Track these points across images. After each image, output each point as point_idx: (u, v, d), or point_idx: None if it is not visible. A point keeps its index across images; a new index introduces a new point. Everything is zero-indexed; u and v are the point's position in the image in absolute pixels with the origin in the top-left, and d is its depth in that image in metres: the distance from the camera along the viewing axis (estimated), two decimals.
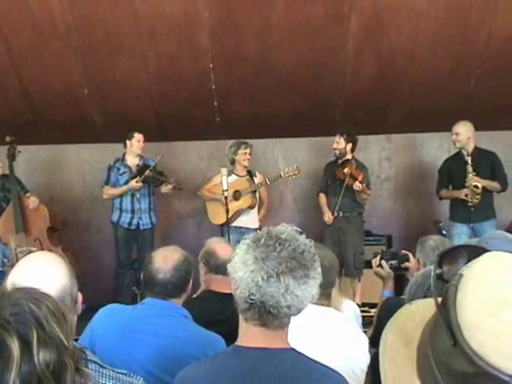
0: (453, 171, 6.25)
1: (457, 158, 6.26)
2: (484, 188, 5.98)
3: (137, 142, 6.30)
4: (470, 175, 5.95)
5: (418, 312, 1.01)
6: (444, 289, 0.87)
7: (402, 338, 0.97)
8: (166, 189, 6.41)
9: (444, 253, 1.00)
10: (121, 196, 6.37)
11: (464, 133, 6.04)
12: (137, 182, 6.20)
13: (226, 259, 2.91)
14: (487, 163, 6.12)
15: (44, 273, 1.75)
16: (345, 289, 6.21)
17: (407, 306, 1.06)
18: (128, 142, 6.34)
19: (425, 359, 0.87)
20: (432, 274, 0.93)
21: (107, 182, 6.44)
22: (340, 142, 6.28)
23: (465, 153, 6.12)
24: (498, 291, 0.79)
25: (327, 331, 2.24)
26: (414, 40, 5.77)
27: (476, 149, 6.10)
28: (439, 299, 0.88)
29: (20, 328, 1.09)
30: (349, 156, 6.31)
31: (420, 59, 5.96)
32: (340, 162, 6.33)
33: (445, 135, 7.13)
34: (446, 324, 0.82)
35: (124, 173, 6.38)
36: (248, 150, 6.42)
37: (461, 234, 6.03)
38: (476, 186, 5.93)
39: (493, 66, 5.99)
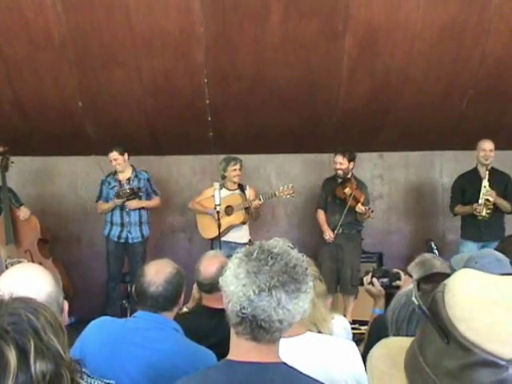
0: (465, 187, 6.29)
1: (471, 175, 6.31)
2: (496, 207, 6.03)
3: (113, 160, 6.28)
4: (486, 188, 5.99)
5: (396, 344, 1.03)
6: (429, 299, 0.89)
7: (387, 360, 0.99)
8: (134, 205, 6.41)
9: (421, 279, 1.06)
10: (112, 210, 6.39)
11: (493, 149, 6.11)
12: (116, 198, 6.25)
13: (207, 278, 2.94)
14: (502, 183, 6.19)
15: (30, 279, 1.76)
16: (337, 305, 6.21)
17: (384, 340, 1.09)
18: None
19: (416, 368, 0.89)
20: (413, 293, 0.95)
21: (99, 197, 6.50)
22: (344, 162, 6.27)
23: (480, 170, 6.17)
24: (484, 292, 0.83)
25: (314, 359, 2.20)
26: (408, 60, 5.81)
27: (492, 168, 6.16)
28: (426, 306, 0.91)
29: (18, 338, 1.09)
30: (349, 174, 6.33)
31: (414, 79, 6.01)
32: (340, 180, 6.33)
33: (437, 154, 7.20)
34: (437, 325, 0.84)
35: (114, 187, 6.39)
36: (237, 166, 6.41)
37: (470, 252, 6.03)
38: (488, 200, 5.97)
39: (485, 86, 6.05)
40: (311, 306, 2.41)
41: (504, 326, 0.79)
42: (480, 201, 6.04)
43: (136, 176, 6.45)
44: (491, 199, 5.99)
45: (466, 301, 0.82)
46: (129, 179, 6.40)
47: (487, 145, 6.16)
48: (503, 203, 6.11)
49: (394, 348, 1.01)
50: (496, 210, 6.09)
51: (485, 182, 6.05)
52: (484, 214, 6.03)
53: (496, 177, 6.16)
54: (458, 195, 6.41)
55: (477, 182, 6.18)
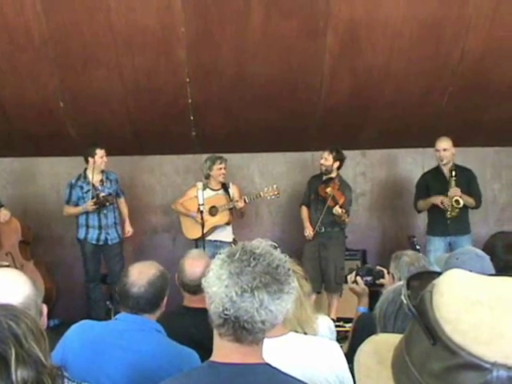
0: (430, 185, 6.31)
1: (435, 173, 6.33)
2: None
3: (100, 158, 6.19)
4: (454, 189, 6.01)
5: (385, 340, 1.03)
6: (418, 298, 0.89)
7: (374, 357, 0.98)
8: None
9: (410, 278, 1.03)
10: (86, 213, 6.32)
11: (450, 148, 6.13)
12: (93, 204, 6.16)
13: (192, 279, 2.91)
14: (465, 179, 6.21)
15: (7, 282, 1.73)
16: (321, 304, 6.22)
17: (373, 337, 1.08)
18: (91, 160, 6.21)
19: (403, 367, 0.89)
20: (403, 292, 0.94)
21: (68, 202, 6.37)
22: (328, 159, 6.28)
23: (443, 168, 6.19)
24: (471, 292, 0.83)
25: (294, 358, 2.19)
26: (388, 57, 5.83)
27: (454, 165, 6.18)
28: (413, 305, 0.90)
29: None
30: (333, 174, 6.32)
31: (394, 76, 6.03)
32: (324, 178, 6.34)
33: (419, 151, 7.24)
34: (424, 325, 0.83)
35: (88, 191, 6.27)
36: (223, 165, 6.39)
37: (437, 250, 6.06)
38: (457, 202, 5.99)
39: (465, 83, 6.09)
40: (298, 305, 2.43)
41: (489, 327, 0.78)
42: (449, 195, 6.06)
43: (107, 178, 6.39)
44: (461, 201, 6.01)
45: (453, 301, 0.82)
46: (102, 181, 6.33)
47: (442, 144, 6.15)
48: (469, 200, 6.13)
49: (382, 344, 1.00)
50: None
51: (452, 182, 6.05)
52: (453, 213, 6.06)
53: (459, 174, 6.17)
54: (421, 193, 6.41)
55: (440, 178, 6.22)
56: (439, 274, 0.95)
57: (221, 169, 6.37)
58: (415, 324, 0.88)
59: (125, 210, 6.58)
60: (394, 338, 0.98)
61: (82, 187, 6.31)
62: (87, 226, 6.32)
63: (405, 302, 0.90)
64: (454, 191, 6.01)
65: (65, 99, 6.22)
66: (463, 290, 0.84)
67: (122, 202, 6.57)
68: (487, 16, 5.51)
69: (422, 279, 1.02)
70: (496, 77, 6.08)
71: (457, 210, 6.04)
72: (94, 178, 6.27)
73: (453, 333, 0.80)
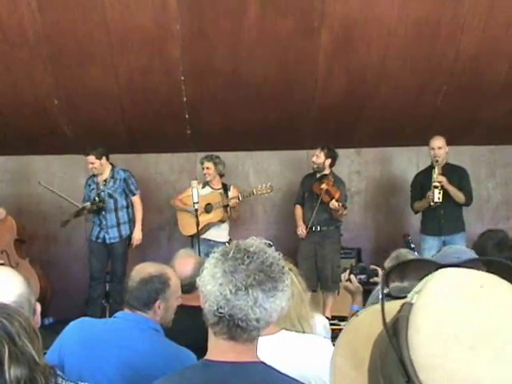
0: (423, 184, 6.33)
1: (428, 172, 6.35)
2: (451, 198, 6.08)
3: (89, 164, 6.24)
4: (435, 174, 6.03)
5: (365, 322, 0.96)
6: (393, 319, 0.82)
7: (351, 360, 0.92)
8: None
9: (391, 270, 0.93)
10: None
11: (444, 146, 6.14)
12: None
13: (186, 277, 2.92)
14: (456, 177, 6.22)
15: (0, 281, 1.73)
16: (316, 302, 6.22)
17: (354, 318, 1.01)
18: None
19: None
20: (380, 296, 0.85)
21: (83, 199, 6.46)
22: (320, 156, 6.29)
23: (436, 166, 6.21)
24: (450, 327, 0.76)
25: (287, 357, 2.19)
26: (383, 56, 5.85)
27: (447, 164, 6.20)
28: (391, 316, 0.83)
29: None
30: (327, 171, 6.33)
31: (389, 75, 6.04)
32: (318, 176, 6.35)
33: (413, 149, 7.25)
34: (398, 360, 0.78)
35: (92, 189, 6.37)
36: (206, 165, 6.42)
37: (431, 249, 6.08)
38: (440, 183, 5.99)
39: (460, 82, 6.10)
40: (299, 301, 2.43)
41: (464, 379, 0.73)
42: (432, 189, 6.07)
43: (112, 177, 6.37)
44: (443, 180, 5.99)
45: (429, 342, 0.75)
46: (105, 181, 6.34)
47: (436, 143, 6.16)
48: (456, 192, 6.13)
49: (361, 335, 0.93)
50: (453, 203, 6.14)
51: (434, 170, 6.08)
52: (436, 199, 6.03)
53: (451, 171, 6.20)
54: (416, 193, 6.44)
55: (433, 178, 6.23)
56: (427, 263, 0.89)
57: (204, 168, 6.41)
58: (390, 345, 0.81)
59: (137, 213, 6.44)
60: (371, 321, 0.90)
61: (90, 185, 6.42)
62: (93, 223, 6.43)
63: (382, 321, 0.82)
64: (440, 178, 6.02)
65: (59, 97, 6.20)
66: (442, 323, 0.76)
67: (134, 200, 6.47)
68: (482, 16, 5.53)
69: (404, 272, 0.94)
70: (490, 76, 6.11)
71: (439, 195, 6.01)
72: (100, 177, 6.36)
73: (427, 382, 0.75)
